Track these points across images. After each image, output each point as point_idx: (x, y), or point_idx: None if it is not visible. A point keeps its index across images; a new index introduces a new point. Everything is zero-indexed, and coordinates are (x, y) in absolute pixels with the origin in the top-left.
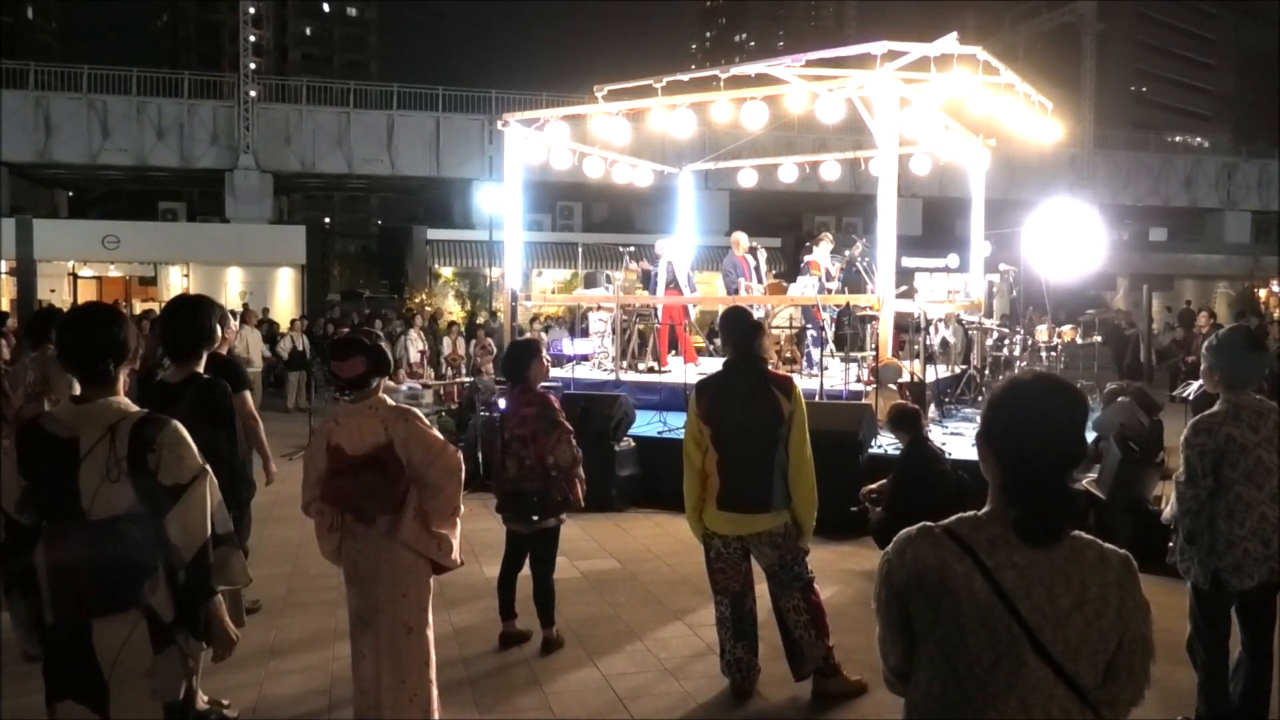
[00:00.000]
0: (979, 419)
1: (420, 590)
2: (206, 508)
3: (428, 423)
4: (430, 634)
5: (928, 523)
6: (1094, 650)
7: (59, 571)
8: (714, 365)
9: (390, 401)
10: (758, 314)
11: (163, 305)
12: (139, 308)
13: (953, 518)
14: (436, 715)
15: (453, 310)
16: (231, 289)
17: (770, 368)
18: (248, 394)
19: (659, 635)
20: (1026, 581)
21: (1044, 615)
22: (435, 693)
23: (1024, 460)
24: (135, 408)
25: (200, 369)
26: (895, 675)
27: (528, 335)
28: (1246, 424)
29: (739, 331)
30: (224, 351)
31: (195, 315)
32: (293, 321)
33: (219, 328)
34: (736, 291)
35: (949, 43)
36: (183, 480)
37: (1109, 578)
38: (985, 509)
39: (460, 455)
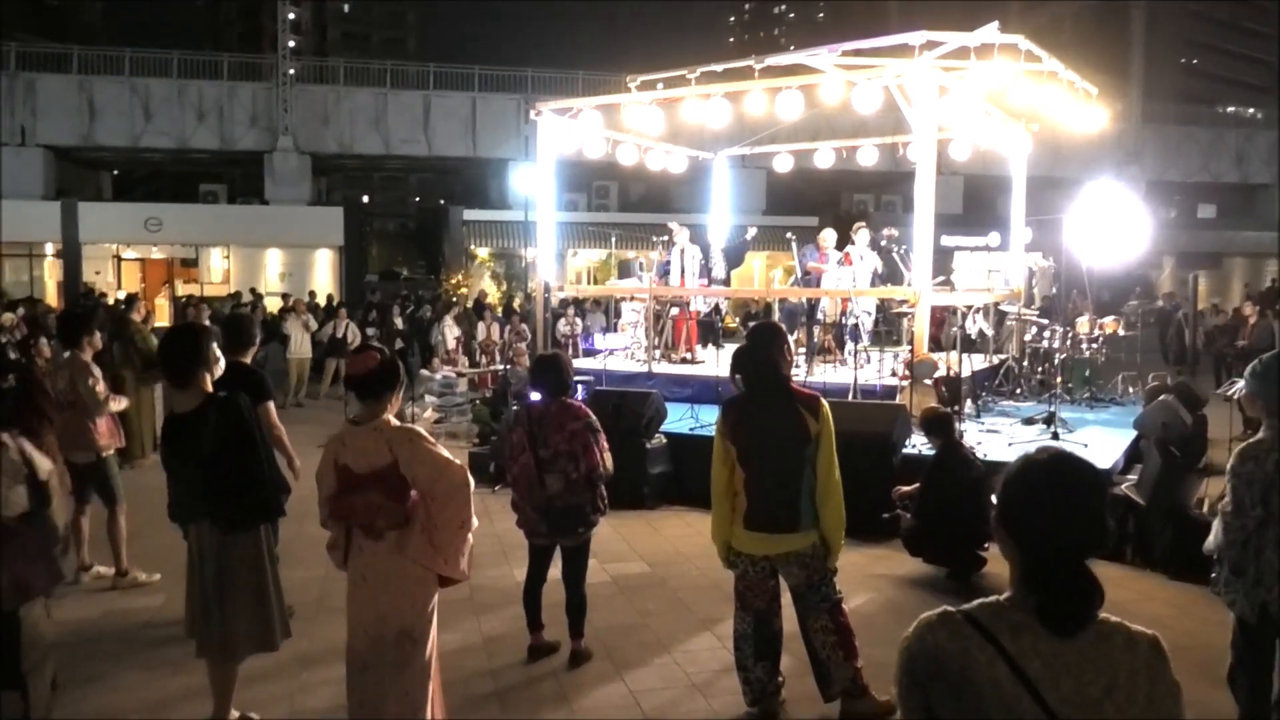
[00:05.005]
0: (994, 499)
1: (426, 602)
2: None
3: (433, 441)
4: (432, 646)
5: (948, 608)
6: None
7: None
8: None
9: (395, 422)
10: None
11: (202, 288)
12: (181, 290)
13: (973, 603)
14: None
15: (489, 290)
16: (271, 270)
17: (796, 385)
18: (271, 405)
19: (687, 647)
20: (1053, 671)
21: (1073, 705)
22: (430, 703)
23: (1041, 546)
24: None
25: (209, 388)
26: None
27: (558, 324)
28: None
29: (762, 349)
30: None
31: (193, 342)
32: (338, 308)
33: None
34: (807, 274)
35: (990, 32)
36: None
37: (1138, 663)
38: (1006, 594)
39: (466, 470)
